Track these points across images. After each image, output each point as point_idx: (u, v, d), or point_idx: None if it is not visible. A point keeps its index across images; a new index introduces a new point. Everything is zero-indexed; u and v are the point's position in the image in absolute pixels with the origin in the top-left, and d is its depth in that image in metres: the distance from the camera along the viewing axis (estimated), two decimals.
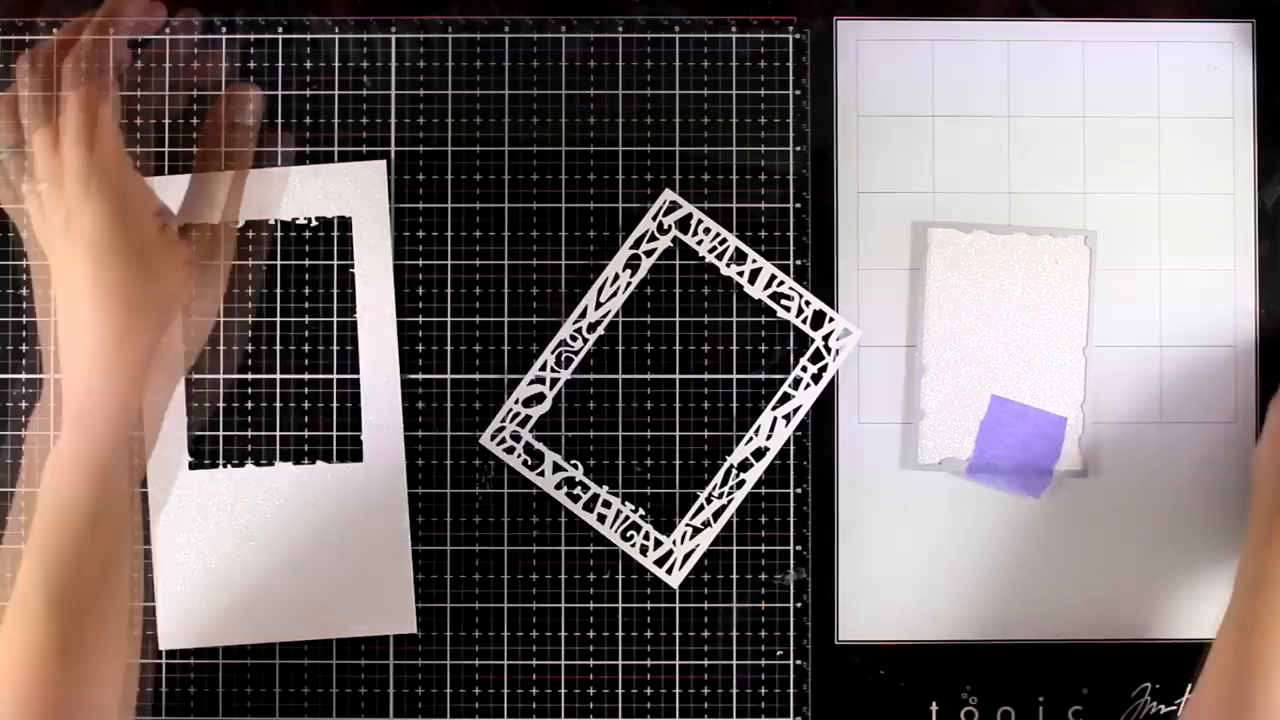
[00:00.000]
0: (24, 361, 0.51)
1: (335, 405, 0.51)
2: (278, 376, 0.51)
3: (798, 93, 0.52)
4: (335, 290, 0.51)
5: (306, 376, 0.51)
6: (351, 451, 0.51)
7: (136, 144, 0.51)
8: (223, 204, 0.49)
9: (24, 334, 0.51)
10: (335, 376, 0.51)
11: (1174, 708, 0.51)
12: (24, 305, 0.51)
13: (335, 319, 0.52)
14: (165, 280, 0.47)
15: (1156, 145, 0.52)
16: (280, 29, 0.52)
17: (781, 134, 0.52)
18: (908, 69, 0.52)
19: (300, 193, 0.51)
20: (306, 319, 0.51)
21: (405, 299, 0.51)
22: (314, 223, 0.51)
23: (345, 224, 0.51)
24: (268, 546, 0.51)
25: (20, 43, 0.52)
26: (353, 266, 0.51)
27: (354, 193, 0.51)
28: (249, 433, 0.51)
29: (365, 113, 0.52)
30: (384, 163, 0.51)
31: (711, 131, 0.52)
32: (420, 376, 0.51)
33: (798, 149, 0.52)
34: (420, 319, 0.52)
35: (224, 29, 0.52)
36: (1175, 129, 0.52)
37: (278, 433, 0.51)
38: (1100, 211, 0.52)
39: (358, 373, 0.51)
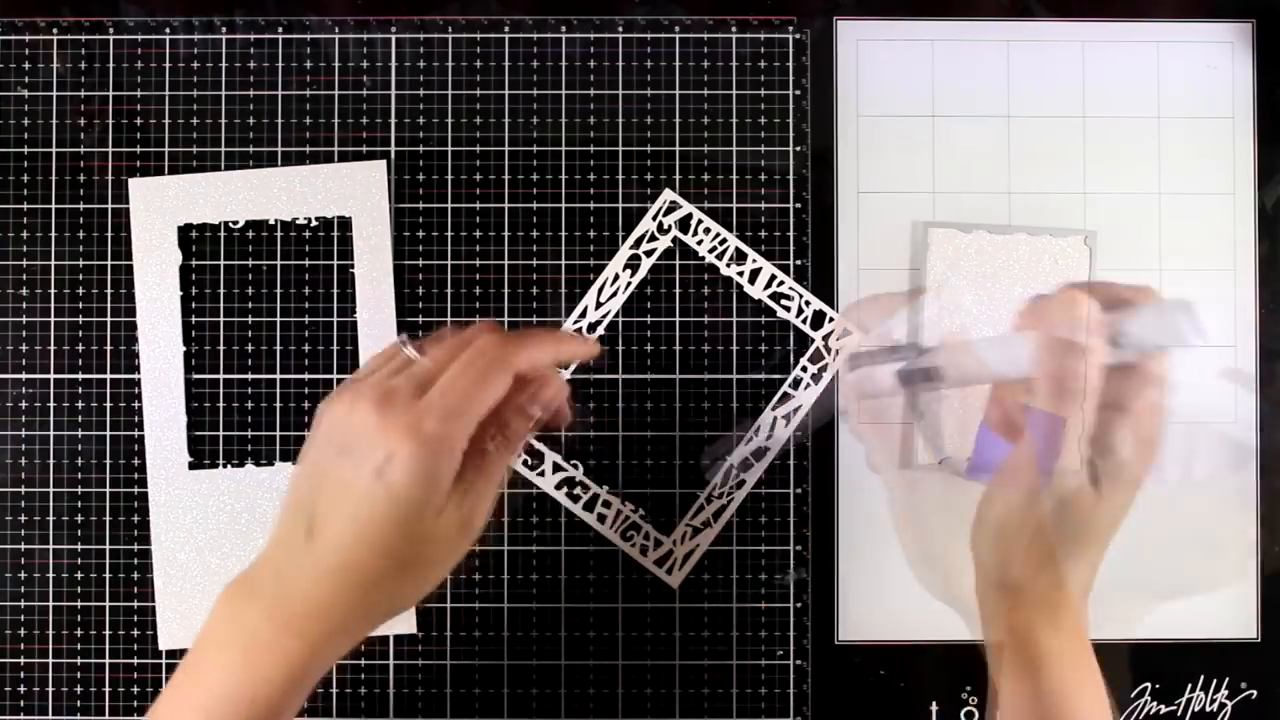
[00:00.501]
0: (24, 362, 0.52)
1: None
2: (278, 376, 0.52)
3: (798, 93, 0.52)
4: (335, 290, 0.52)
5: (306, 376, 0.52)
6: None
7: (137, 144, 0.52)
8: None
9: (24, 334, 0.52)
10: (335, 376, 0.52)
11: (1174, 707, 0.51)
12: (24, 305, 0.52)
13: (335, 319, 0.52)
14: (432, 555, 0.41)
15: (1156, 145, 0.52)
16: (280, 29, 0.52)
17: (781, 134, 0.52)
18: (908, 69, 0.52)
19: (300, 192, 0.51)
20: (306, 319, 0.52)
21: (405, 299, 0.52)
22: (314, 223, 0.52)
23: (345, 224, 0.52)
24: None
25: (20, 42, 0.52)
26: (353, 266, 0.52)
27: (354, 193, 0.51)
28: (249, 432, 0.52)
29: (365, 113, 0.52)
30: (384, 163, 0.51)
31: (711, 131, 0.52)
32: None
33: (798, 149, 0.52)
34: (420, 319, 0.52)
35: (224, 29, 0.52)
36: (1175, 129, 0.52)
37: (278, 432, 0.52)
38: (1100, 211, 0.52)
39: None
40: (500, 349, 0.40)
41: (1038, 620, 0.42)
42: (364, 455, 0.38)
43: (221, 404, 0.52)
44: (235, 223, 0.52)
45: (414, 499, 0.38)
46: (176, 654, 0.51)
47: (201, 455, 0.52)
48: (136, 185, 0.51)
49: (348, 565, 0.38)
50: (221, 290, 0.52)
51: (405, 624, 0.51)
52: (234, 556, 0.51)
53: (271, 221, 0.52)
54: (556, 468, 0.51)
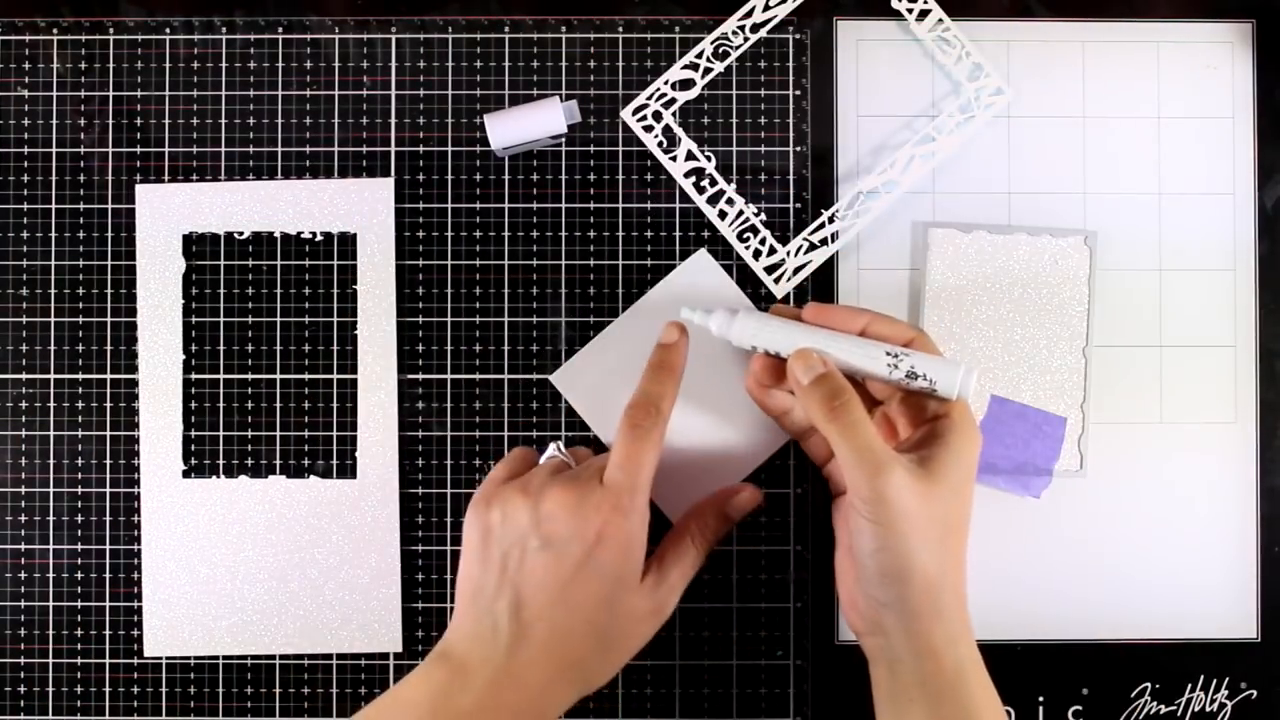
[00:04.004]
0: (24, 362, 0.53)
1: (335, 419, 0.53)
2: (277, 390, 0.53)
3: (798, 93, 0.54)
4: (336, 305, 0.53)
5: (306, 376, 0.53)
6: (349, 467, 0.53)
7: (138, 144, 0.53)
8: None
9: (24, 334, 0.53)
10: (335, 377, 0.53)
11: (1174, 707, 0.53)
12: (24, 305, 0.53)
13: (335, 334, 0.53)
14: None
15: (1156, 145, 0.54)
16: (280, 29, 0.54)
17: (781, 134, 0.54)
18: (908, 69, 0.54)
19: (306, 207, 0.53)
20: (307, 334, 0.53)
21: (405, 299, 0.53)
22: (319, 237, 0.53)
23: (351, 240, 0.53)
24: (256, 559, 0.53)
25: (20, 42, 0.53)
26: (354, 284, 0.53)
27: (360, 209, 0.53)
28: (249, 432, 0.53)
29: (365, 113, 0.53)
30: (391, 180, 0.53)
31: (711, 131, 0.54)
32: (420, 376, 0.53)
33: (798, 149, 0.54)
34: (420, 319, 0.53)
35: (224, 29, 0.53)
36: (1175, 129, 0.54)
37: (277, 433, 0.53)
38: (1100, 211, 0.54)
39: (356, 389, 0.53)
40: (649, 405, 0.47)
41: (901, 617, 0.44)
42: (570, 541, 0.45)
43: (221, 404, 0.53)
44: (240, 234, 0.53)
45: (621, 575, 0.45)
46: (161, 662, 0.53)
47: (201, 456, 0.53)
48: (143, 191, 0.53)
49: (562, 648, 0.44)
50: (222, 291, 0.53)
51: (391, 643, 0.53)
52: (223, 567, 0.53)
53: (277, 235, 0.53)
54: (689, 155, 0.53)
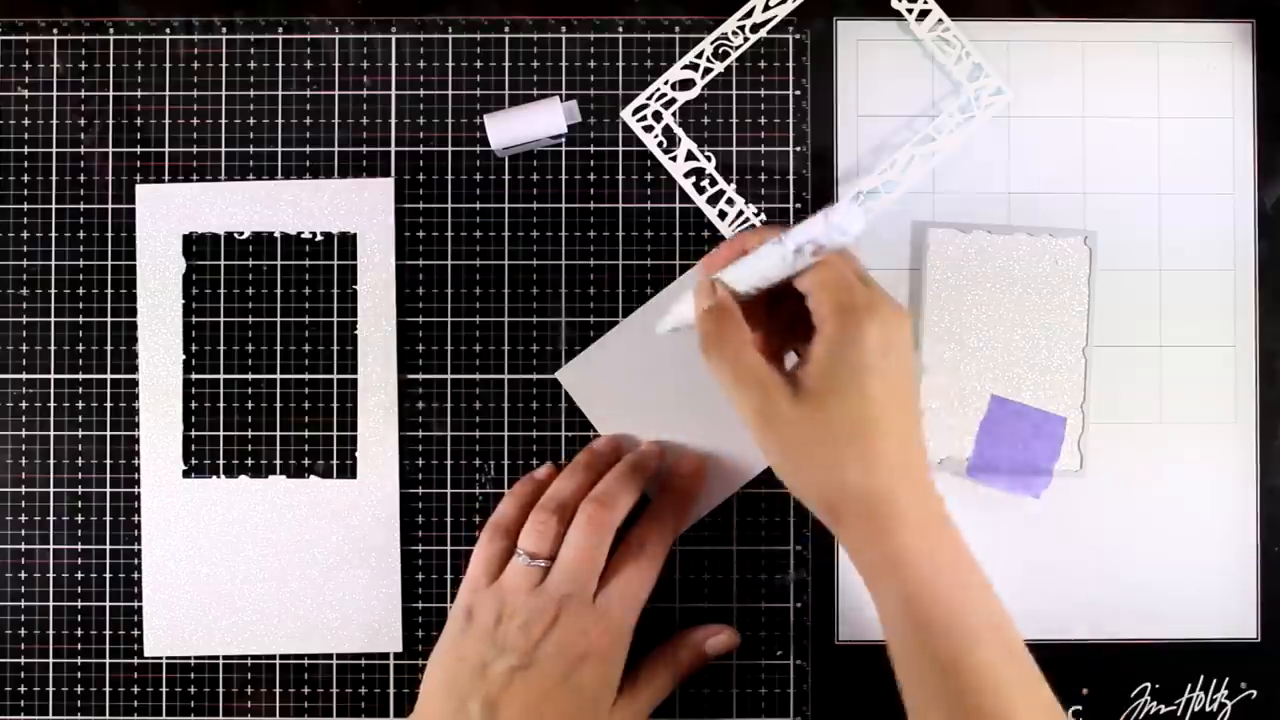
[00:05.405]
0: (24, 362, 0.53)
1: (335, 419, 0.53)
2: (277, 390, 0.53)
3: (798, 93, 0.54)
4: (336, 305, 0.53)
5: (306, 376, 0.53)
6: (349, 467, 0.53)
7: (138, 144, 0.54)
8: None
9: (24, 334, 0.53)
10: (335, 377, 0.53)
11: (1174, 707, 0.53)
12: (24, 305, 0.53)
13: (335, 334, 0.53)
14: None
15: (1156, 145, 0.54)
16: (280, 29, 0.54)
17: (781, 134, 0.54)
18: (908, 69, 0.54)
19: (307, 207, 0.53)
20: (307, 333, 0.53)
21: (405, 299, 0.53)
22: (319, 237, 0.53)
23: (351, 240, 0.53)
24: (257, 559, 0.53)
25: (20, 43, 0.54)
26: (354, 284, 0.53)
27: (361, 209, 0.53)
28: (249, 432, 0.53)
29: (365, 113, 0.54)
30: (391, 181, 0.53)
31: (711, 131, 0.54)
32: (420, 376, 0.53)
33: (798, 149, 0.54)
34: (420, 319, 0.53)
35: (224, 29, 0.54)
36: (1175, 129, 0.54)
37: (277, 433, 0.53)
38: (1100, 211, 0.54)
39: (356, 389, 0.53)
40: (609, 501, 0.49)
41: (857, 530, 0.43)
42: (553, 659, 0.46)
43: (222, 404, 0.53)
44: (240, 234, 0.53)
45: (599, 695, 0.46)
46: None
47: (201, 456, 0.53)
48: (143, 192, 0.53)
49: None
50: (222, 291, 0.53)
51: (391, 643, 0.53)
52: (223, 566, 0.53)
53: (277, 235, 0.53)
54: (689, 156, 0.53)
